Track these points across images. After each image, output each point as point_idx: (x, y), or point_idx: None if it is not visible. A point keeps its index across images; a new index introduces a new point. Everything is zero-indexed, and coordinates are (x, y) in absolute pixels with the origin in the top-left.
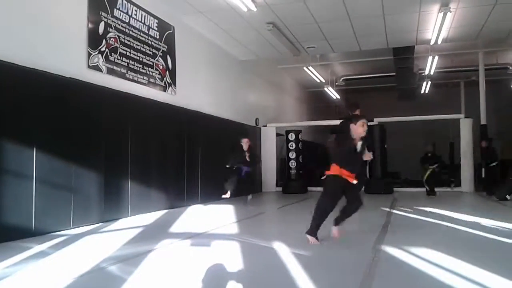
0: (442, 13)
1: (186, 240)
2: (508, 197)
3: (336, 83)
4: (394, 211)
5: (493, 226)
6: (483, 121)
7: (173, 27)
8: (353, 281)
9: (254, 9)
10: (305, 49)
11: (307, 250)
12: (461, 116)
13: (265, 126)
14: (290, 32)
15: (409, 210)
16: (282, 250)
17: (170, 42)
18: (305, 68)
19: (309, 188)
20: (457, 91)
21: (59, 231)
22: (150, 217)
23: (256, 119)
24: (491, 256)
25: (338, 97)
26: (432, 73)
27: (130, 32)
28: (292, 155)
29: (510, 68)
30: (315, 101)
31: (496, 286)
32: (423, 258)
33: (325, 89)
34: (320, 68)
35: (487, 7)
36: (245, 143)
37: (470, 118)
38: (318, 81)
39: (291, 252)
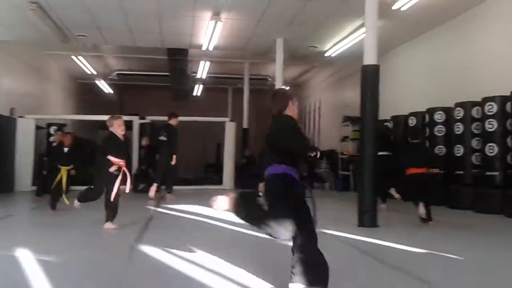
0: (214, 21)
1: None
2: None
3: (109, 77)
4: (159, 209)
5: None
6: (245, 125)
7: None
8: (102, 286)
9: None
10: (74, 36)
11: (57, 256)
12: (227, 119)
13: (22, 117)
14: (57, 16)
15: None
16: (26, 258)
17: None
18: (74, 57)
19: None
20: (226, 96)
21: None
22: None
23: (12, 109)
24: (246, 252)
25: (112, 91)
26: (204, 77)
27: None
28: None
29: (269, 79)
30: (86, 94)
31: (247, 281)
32: (181, 257)
33: (97, 82)
34: (92, 58)
35: (252, 22)
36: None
37: (234, 122)
38: (89, 72)
39: (37, 259)
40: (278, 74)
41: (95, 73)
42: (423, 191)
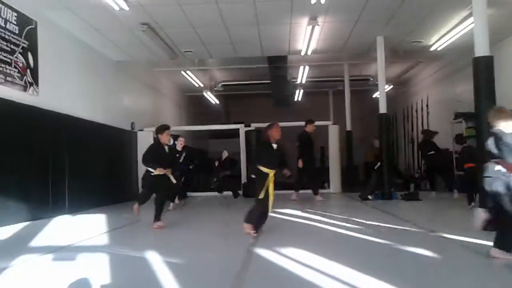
0: (311, 26)
1: (47, 254)
2: (369, 197)
3: (215, 88)
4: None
5: (357, 225)
6: (348, 127)
7: (36, 22)
8: (224, 286)
9: (127, 8)
10: (182, 52)
11: (180, 258)
12: (330, 122)
13: (142, 130)
14: (166, 35)
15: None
16: (154, 259)
17: (31, 38)
18: (183, 72)
19: (189, 194)
20: (326, 99)
21: None
22: (7, 231)
23: (132, 123)
24: (357, 254)
25: (218, 102)
26: (304, 82)
27: None
28: None
29: (371, 79)
30: (195, 106)
31: (360, 284)
32: (293, 259)
33: (204, 94)
34: (199, 72)
35: (350, 23)
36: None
37: (336, 125)
38: (197, 85)
39: (163, 261)
40: (381, 73)
41: (202, 85)
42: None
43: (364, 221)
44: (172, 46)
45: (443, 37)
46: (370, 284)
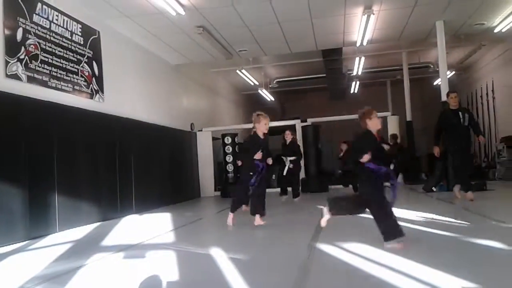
0: (366, 15)
1: (118, 253)
2: (434, 189)
3: (270, 85)
4: None
5: (421, 218)
6: (408, 117)
7: (99, 32)
8: (288, 281)
9: (183, 12)
10: (237, 52)
11: (244, 254)
12: (388, 113)
13: (201, 130)
14: (221, 36)
15: None
16: (219, 256)
17: (95, 48)
18: (238, 71)
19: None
20: (384, 90)
21: None
22: (80, 231)
23: (191, 124)
24: (421, 248)
25: (273, 99)
26: (360, 73)
27: (52, 38)
28: (229, 158)
29: (431, 66)
30: (251, 104)
31: (427, 278)
32: (357, 254)
33: (259, 91)
34: (253, 70)
35: (406, 9)
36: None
37: (396, 115)
38: (252, 84)
39: (228, 257)
40: (441, 60)
41: (257, 83)
42: None
43: (428, 214)
44: (227, 46)
45: (508, 17)
46: (436, 277)
